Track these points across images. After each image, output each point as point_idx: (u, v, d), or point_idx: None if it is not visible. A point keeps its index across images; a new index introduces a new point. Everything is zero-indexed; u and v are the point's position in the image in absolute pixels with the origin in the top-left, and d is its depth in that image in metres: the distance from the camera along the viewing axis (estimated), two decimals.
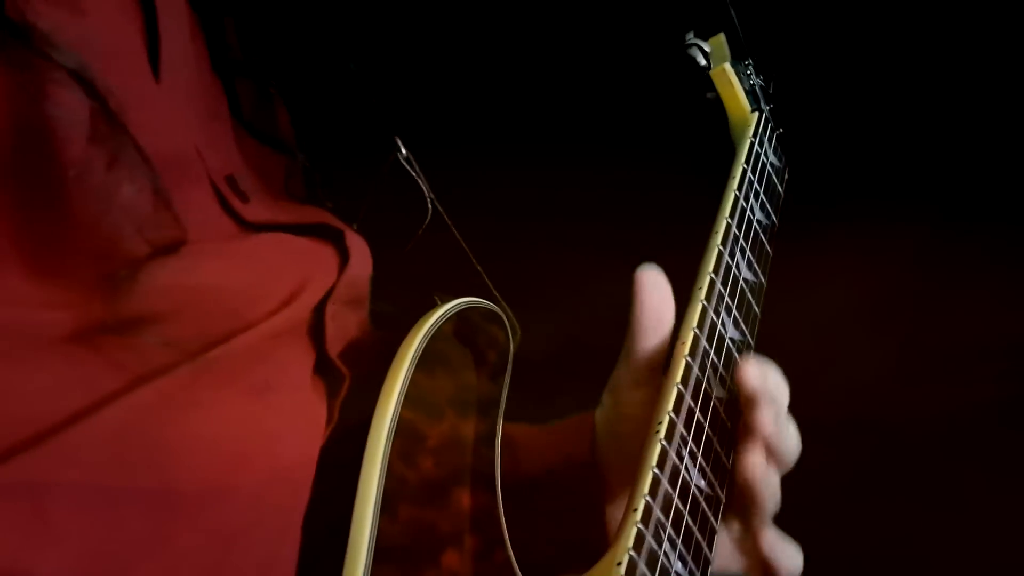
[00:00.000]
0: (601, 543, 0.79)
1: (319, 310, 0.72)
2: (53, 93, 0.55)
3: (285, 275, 0.69)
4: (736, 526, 0.79)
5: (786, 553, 0.79)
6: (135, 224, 0.57)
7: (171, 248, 0.59)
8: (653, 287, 0.78)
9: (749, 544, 0.78)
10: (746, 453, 0.75)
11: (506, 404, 0.79)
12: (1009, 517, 1.63)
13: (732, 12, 0.97)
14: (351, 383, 0.72)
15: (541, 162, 1.73)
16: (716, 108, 1.00)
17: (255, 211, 0.70)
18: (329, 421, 0.71)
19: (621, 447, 0.80)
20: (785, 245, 0.96)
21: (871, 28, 1.71)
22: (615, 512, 0.80)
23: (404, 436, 0.69)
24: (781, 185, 0.98)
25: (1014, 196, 1.74)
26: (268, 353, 0.67)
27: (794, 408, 0.81)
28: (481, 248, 0.87)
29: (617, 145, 1.72)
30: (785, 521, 0.83)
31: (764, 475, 0.76)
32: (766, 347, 0.84)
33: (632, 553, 0.65)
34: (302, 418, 0.69)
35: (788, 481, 0.82)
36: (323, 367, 0.72)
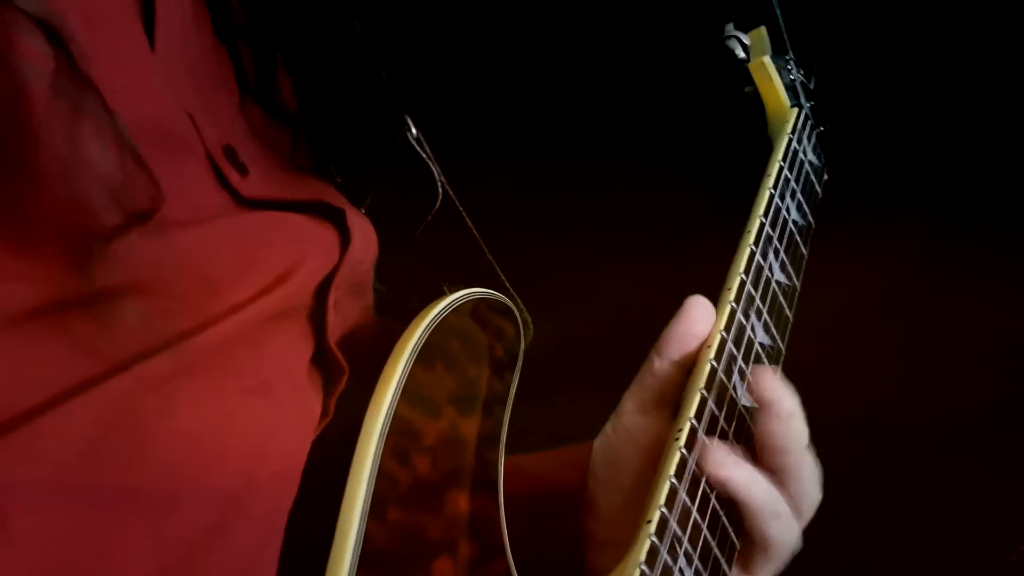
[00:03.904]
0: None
1: (320, 296, 0.67)
2: (16, 41, 0.49)
3: (276, 253, 0.64)
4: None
5: None
6: (106, 188, 0.52)
7: (147, 215, 0.53)
8: (701, 308, 0.76)
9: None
10: (712, 448, 0.70)
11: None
12: (1009, 517, 1.63)
13: (776, 5, 0.94)
14: (350, 376, 0.68)
15: (543, 161, 1.73)
16: (754, 103, 0.97)
17: (253, 186, 0.65)
18: (324, 416, 0.67)
19: (616, 476, 0.76)
20: None
21: (870, 27, 1.71)
22: (597, 554, 0.76)
23: (399, 434, 0.64)
24: (819, 184, 0.95)
25: (1014, 196, 1.74)
26: (259, 340, 0.62)
27: None
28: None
29: (619, 145, 1.72)
30: None
31: (738, 475, 0.70)
32: None
33: (644, 567, 0.62)
34: (294, 412, 0.65)
35: None
36: (321, 358, 0.68)
